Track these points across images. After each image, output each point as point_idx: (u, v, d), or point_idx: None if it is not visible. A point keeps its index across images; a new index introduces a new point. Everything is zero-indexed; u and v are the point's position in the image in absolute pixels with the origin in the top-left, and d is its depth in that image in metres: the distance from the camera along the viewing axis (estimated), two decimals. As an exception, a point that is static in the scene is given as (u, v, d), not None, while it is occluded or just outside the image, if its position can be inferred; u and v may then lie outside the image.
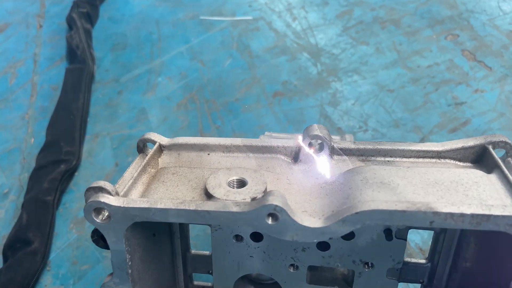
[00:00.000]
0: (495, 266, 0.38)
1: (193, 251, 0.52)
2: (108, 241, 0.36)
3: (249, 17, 1.33)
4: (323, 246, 0.44)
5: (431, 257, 0.48)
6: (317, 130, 0.43)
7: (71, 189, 0.93)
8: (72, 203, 0.88)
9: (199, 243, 0.74)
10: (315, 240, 0.35)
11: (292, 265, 0.45)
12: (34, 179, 0.91)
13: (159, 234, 0.44)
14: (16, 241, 0.79)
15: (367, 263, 0.44)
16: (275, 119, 1.02)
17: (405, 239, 0.43)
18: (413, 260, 0.48)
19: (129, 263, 0.37)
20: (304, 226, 0.34)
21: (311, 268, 0.46)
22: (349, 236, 0.43)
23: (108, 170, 0.95)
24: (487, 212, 0.31)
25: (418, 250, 0.72)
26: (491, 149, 0.40)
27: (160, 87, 1.15)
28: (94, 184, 0.35)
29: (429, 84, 1.02)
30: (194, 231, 0.76)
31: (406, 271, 0.48)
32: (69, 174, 0.94)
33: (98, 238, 0.38)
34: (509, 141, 0.41)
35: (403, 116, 0.96)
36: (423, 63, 1.07)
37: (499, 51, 1.07)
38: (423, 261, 0.49)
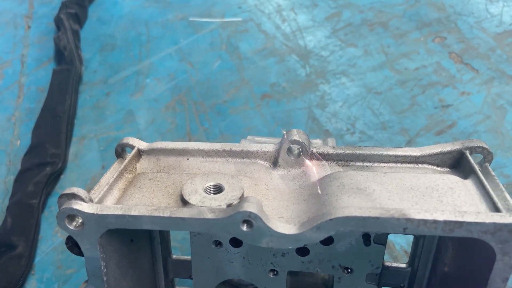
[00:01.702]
0: (472, 270, 0.38)
1: (174, 256, 0.51)
2: (82, 248, 0.36)
3: (239, 19, 1.33)
4: (302, 251, 0.44)
5: (411, 262, 0.48)
6: (296, 135, 0.43)
7: (57, 192, 0.92)
8: (58, 207, 0.87)
9: (186, 246, 0.74)
10: (290, 247, 0.35)
11: (272, 270, 0.45)
12: (19, 182, 0.90)
13: (138, 240, 0.44)
14: (0, 246, 0.78)
15: (346, 268, 0.44)
16: (263, 121, 1.02)
17: (384, 244, 0.43)
18: (394, 265, 0.49)
19: (104, 270, 0.37)
20: (279, 233, 0.34)
21: (291, 273, 0.46)
22: (328, 242, 0.43)
23: (94, 173, 0.94)
24: (460, 219, 0.31)
25: (404, 252, 0.72)
26: (468, 155, 0.40)
27: (148, 88, 1.14)
28: (67, 191, 0.35)
29: (416, 86, 1.02)
30: (181, 234, 0.76)
31: (387, 276, 0.48)
32: (55, 176, 0.93)
33: (73, 245, 0.37)
34: (486, 147, 0.41)
35: (390, 118, 0.96)
36: (411, 65, 1.07)
37: (486, 53, 1.08)
38: (403, 265, 0.49)
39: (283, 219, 0.37)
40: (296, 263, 0.44)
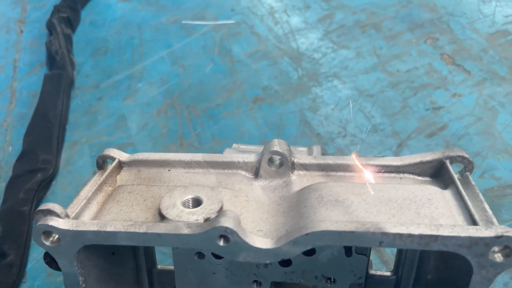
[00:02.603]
0: (453, 281, 0.38)
1: (159, 266, 0.51)
2: (59, 264, 0.36)
3: (232, 21, 1.32)
4: (285, 262, 0.44)
5: (396, 270, 0.48)
6: (277, 145, 0.43)
7: (48, 198, 0.92)
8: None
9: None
10: (268, 261, 0.34)
11: (255, 281, 0.45)
12: (10, 189, 0.90)
13: (120, 252, 0.44)
14: (-9, 254, 0.78)
15: (329, 278, 0.44)
16: (255, 125, 1.02)
17: (366, 255, 0.43)
18: (378, 273, 0.48)
19: (83, 285, 0.37)
20: (256, 248, 0.34)
21: (274, 284, 0.46)
22: (310, 252, 0.43)
23: (86, 179, 0.94)
24: (435, 233, 0.31)
25: (394, 257, 0.72)
26: (448, 164, 0.40)
27: (140, 92, 1.14)
28: (43, 207, 0.35)
29: (408, 88, 1.02)
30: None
31: (372, 284, 0.48)
32: (46, 183, 0.93)
33: (51, 260, 0.37)
34: (467, 156, 0.41)
35: (382, 121, 0.96)
36: (403, 67, 1.07)
37: (478, 54, 1.07)
38: (388, 273, 0.49)
39: (261, 232, 0.37)
40: (279, 274, 0.44)
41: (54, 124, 1.03)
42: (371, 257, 0.53)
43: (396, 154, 0.89)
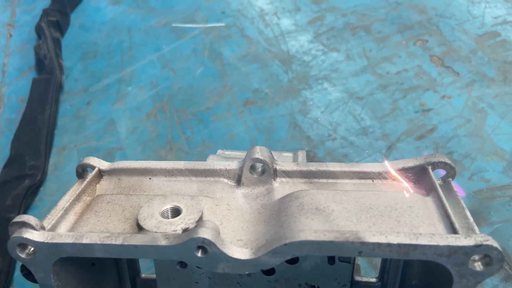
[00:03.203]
0: (436, 286, 0.38)
1: (143, 275, 0.51)
2: (36, 277, 0.35)
3: (222, 24, 1.32)
4: (268, 270, 0.43)
5: (381, 276, 0.48)
6: (258, 153, 0.42)
7: (36, 204, 0.91)
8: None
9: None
10: (247, 272, 0.34)
11: (239, 289, 0.45)
12: (-3, 196, 0.89)
13: (101, 262, 0.43)
14: (-23, 262, 0.77)
15: (313, 286, 0.44)
16: (245, 128, 1.01)
17: (349, 262, 0.42)
18: (364, 279, 0.48)
19: (61, 298, 0.36)
20: (234, 258, 0.33)
21: (258, 292, 0.46)
22: (294, 260, 0.43)
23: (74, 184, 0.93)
24: (414, 242, 0.31)
25: (383, 260, 0.72)
26: (430, 170, 0.40)
27: (130, 96, 1.13)
28: (18, 219, 0.34)
29: (397, 91, 1.02)
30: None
31: (357, 291, 0.47)
32: (34, 189, 0.92)
33: (28, 273, 0.36)
34: (449, 162, 0.40)
35: (371, 123, 0.96)
36: (392, 69, 1.07)
37: (467, 56, 1.08)
38: (373, 280, 0.48)
39: (241, 241, 0.36)
40: (262, 283, 0.44)
41: (42, 130, 1.02)
42: (359, 262, 0.53)
43: (386, 156, 0.89)
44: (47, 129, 1.03)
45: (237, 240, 0.36)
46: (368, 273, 0.71)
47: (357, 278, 0.48)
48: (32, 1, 1.53)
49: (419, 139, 0.91)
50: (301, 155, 0.53)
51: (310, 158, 0.92)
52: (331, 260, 0.42)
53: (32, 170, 0.94)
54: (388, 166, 0.40)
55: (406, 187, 0.40)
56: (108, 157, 0.98)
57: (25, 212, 0.88)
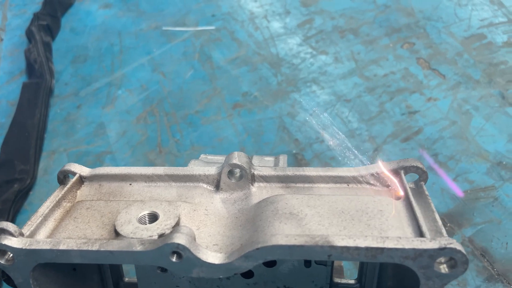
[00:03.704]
0: (407, 286, 0.39)
1: (126, 279, 0.51)
2: (15, 282, 0.36)
3: (212, 27, 1.33)
4: (246, 273, 0.44)
5: (359, 278, 0.49)
6: (236, 158, 0.43)
7: (25, 209, 0.91)
8: None
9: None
10: (221, 276, 0.35)
11: (219, 292, 0.45)
12: (-14, 200, 0.89)
13: (82, 267, 0.44)
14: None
15: (291, 289, 0.45)
16: (234, 131, 1.02)
17: (326, 265, 0.43)
18: (343, 281, 0.49)
19: (40, 303, 0.37)
20: (208, 263, 0.34)
21: (238, 295, 0.46)
22: (271, 263, 0.43)
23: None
24: (381, 245, 0.32)
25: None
26: (402, 174, 0.41)
27: (120, 100, 1.14)
28: (-4, 226, 0.35)
29: (384, 93, 1.03)
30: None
31: (336, 292, 0.48)
32: (24, 193, 0.93)
33: (8, 278, 0.37)
34: (421, 166, 0.41)
35: (358, 126, 0.97)
36: (380, 72, 1.08)
37: (453, 58, 1.09)
38: (352, 281, 0.49)
39: (217, 246, 0.37)
40: (241, 286, 0.45)
41: (32, 134, 1.03)
42: (342, 264, 0.54)
43: (372, 159, 0.90)
44: (36, 133, 1.03)
45: (213, 244, 0.37)
46: (353, 274, 0.72)
47: (336, 280, 0.49)
48: (23, 5, 1.53)
49: (405, 141, 0.92)
50: (282, 159, 0.54)
51: (298, 161, 0.93)
52: (307, 263, 0.43)
53: (21, 175, 0.94)
54: (360, 170, 0.41)
55: (378, 191, 0.41)
56: (98, 161, 0.99)
57: (14, 217, 0.89)
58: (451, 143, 0.90)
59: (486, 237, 0.75)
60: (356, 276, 0.50)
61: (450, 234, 0.76)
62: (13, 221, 0.88)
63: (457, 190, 0.81)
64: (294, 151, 0.95)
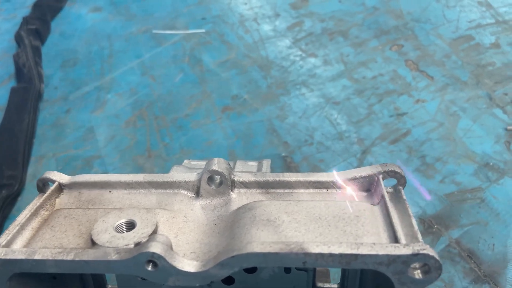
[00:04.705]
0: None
1: (110, 286, 0.51)
2: (-9, 292, 0.36)
3: (202, 30, 1.33)
4: (227, 280, 0.44)
5: (342, 282, 0.49)
6: (215, 165, 0.43)
7: (14, 214, 0.91)
8: None
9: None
10: (198, 284, 0.35)
11: (200, 299, 0.45)
12: (-26, 207, 0.89)
13: (62, 275, 0.43)
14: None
15: (272, 294, 0.45)
16: (223, 134, 1.02)
17: (306, 270, 0.43)
18: (326, 285, 0.49)
19: (17, 312, 0.36)
20: (184, 271, 0.34)
21: (220, 301, 0.46)
22: (252, 270, 0.43)
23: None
24: (355, 252, 0.32)
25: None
26: (380, 179, 0.41)
27: (109, 104, 1.13)
28: (-29, 236, 0.35)
29: (373, 95, 1.03)
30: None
31: (319, 297, 0.48)
32: (12, 199, 0.92)
33: (-15, 288, 0.37)
34: (399, 171, 0.41)
35: (347, 128, 0.97)
36: (368, 74, 1.09)
37: (441, 60, 1.10)
38: (335, 286, 0.49)
39: (194, 254, 0.37)
40: (222, 292, 0.45)
41: (20, 139, 1.02)
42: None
43: (360, 161, 0.91)
44: (25, 138, 1.03)
45: (190, 252, 0.37)
46: (338, 275, 0.72)
47: (319, 284, 0.49)
48: (13, 9, 1.53)
49: (393, 143, 0.92)
50: (266, 164, 0.54)
51: (287, 164, 0.93)
52: (287, 269, 0.43)
53: (9, 180, 0.93)
54: (337, 176, 0.42)
55: (356, 196, 0.41)
56: (87, 166, 0.99)
57: (2, 223, 0.88)
58: (439, 145, 0.90)
59: (473, 238, 0.75)
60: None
61: (437, 236, 0.76)
62: (1, 227, 0.87)
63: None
64: (283, 154, 0.95)
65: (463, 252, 0.73)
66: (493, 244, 0.74)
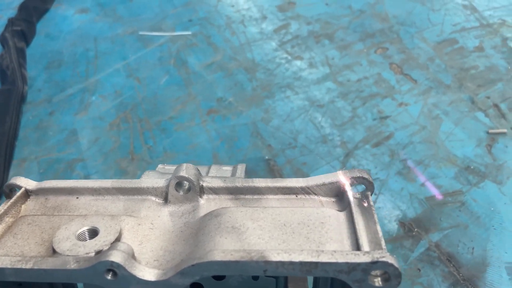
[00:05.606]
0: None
1: (81, 292, 0.50)
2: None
3: (188, 32, 1.32)
4: (196, 287, 0.44)
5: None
6: (183, 170, 0.43)
7: (-7, 218, 0.90)
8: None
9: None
10: (159, 292, 0.34)
11: (170, 305, 0.45)
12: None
13: (29, 283, 0.43)
14: None
15: (242, 301, 0.44)
16: (207, 137, 1.01)
17: (274, 277, 0.43)
18: (298, 291, 0.49)
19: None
20: (145, 280, 0.34)
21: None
22: (220, 276, 0.43)
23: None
24: (315, 259, 0.32)
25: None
26: (348, 185, 0.41)
27: (93, 106, 1.13)
28: None
29: (357, 98, 1.03)
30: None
31: (291, 303, 0.48)
32: (-9, 203, 0.91)
33: None
34: (367, 176, 0.41)
35: (331, 131, 0.97)
36: (353, 77, 1.09)
37: (425, 63, 1.10)
38: (307, 292, 0.49)
39: (157, 262, 0.37)
40: (191, 298, 0.44)
41: (2, 141, 1.01)
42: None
43: (343, 164, 0.91)
44: (7, 141, 1.01)
45: (153, 260, 0.37)
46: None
47: (292, 290, 0.49)
48: (-2, 10, 1.51)
49: (375, 146, 0.93)
50: (240, 168, 0.54)
51: (270, 167, 0.93)
52: (255, 276, 0.42)
53: (-11, 183, 0.92)
54: (304, 182, 0.41)
55: (325, 202, 0.41)
56: (69, 169, 0.98)
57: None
58: (421, 148, 0.91)
59: (452, 242, 0.76)
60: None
61: (417, 239, 0.76)
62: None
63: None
64: (266, 157, 0.94)
65: (442, 256, 0.73)
66: (473, 248, 0.74)
